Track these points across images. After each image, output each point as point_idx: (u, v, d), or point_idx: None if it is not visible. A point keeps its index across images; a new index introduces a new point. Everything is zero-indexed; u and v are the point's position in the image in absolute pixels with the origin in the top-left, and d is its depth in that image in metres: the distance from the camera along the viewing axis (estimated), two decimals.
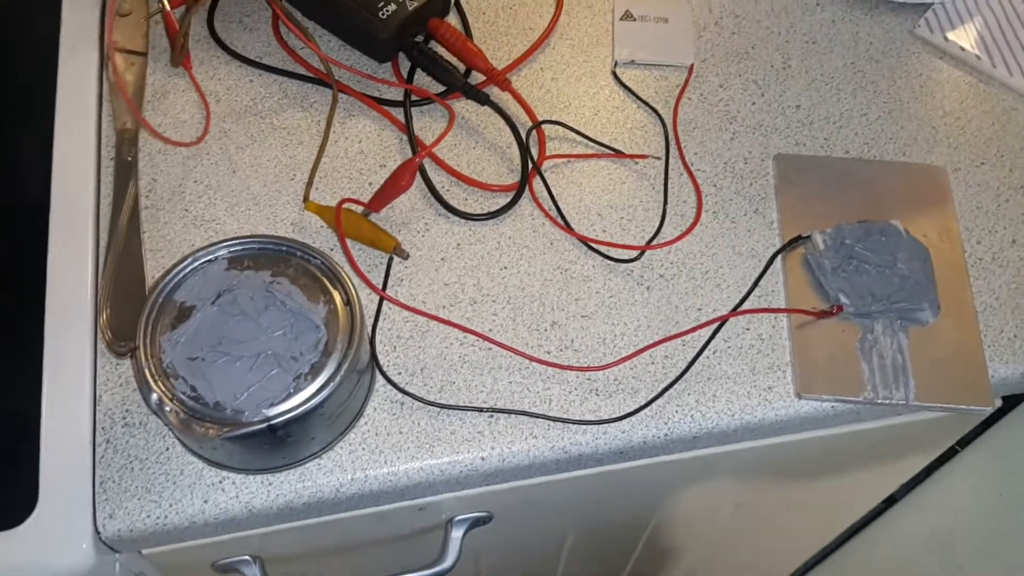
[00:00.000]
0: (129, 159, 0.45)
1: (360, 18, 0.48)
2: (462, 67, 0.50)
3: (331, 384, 0.35)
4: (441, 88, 0.49)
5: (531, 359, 0.42)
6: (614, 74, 0.51)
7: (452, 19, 0.53)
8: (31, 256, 0.43)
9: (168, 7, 0.48)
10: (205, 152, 0.47)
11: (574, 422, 0.41)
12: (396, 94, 0.49)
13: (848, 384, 0.42)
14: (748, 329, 0.44)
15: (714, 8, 0.54)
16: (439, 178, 0.47)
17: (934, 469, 0.61)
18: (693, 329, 0.43)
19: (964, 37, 0.53)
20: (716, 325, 0.43)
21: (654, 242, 0.46)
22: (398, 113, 0.49)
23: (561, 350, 0.43)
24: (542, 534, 0.57)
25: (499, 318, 0.43)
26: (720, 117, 0.50)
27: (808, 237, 0.46)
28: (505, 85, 0.49)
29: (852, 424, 0.46)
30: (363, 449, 0.40)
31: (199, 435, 0.35)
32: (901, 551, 0.66)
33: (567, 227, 0.46)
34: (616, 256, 0.45)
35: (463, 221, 0.46)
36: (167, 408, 0.35)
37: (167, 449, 0.39)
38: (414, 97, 0.49)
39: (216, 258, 0.38)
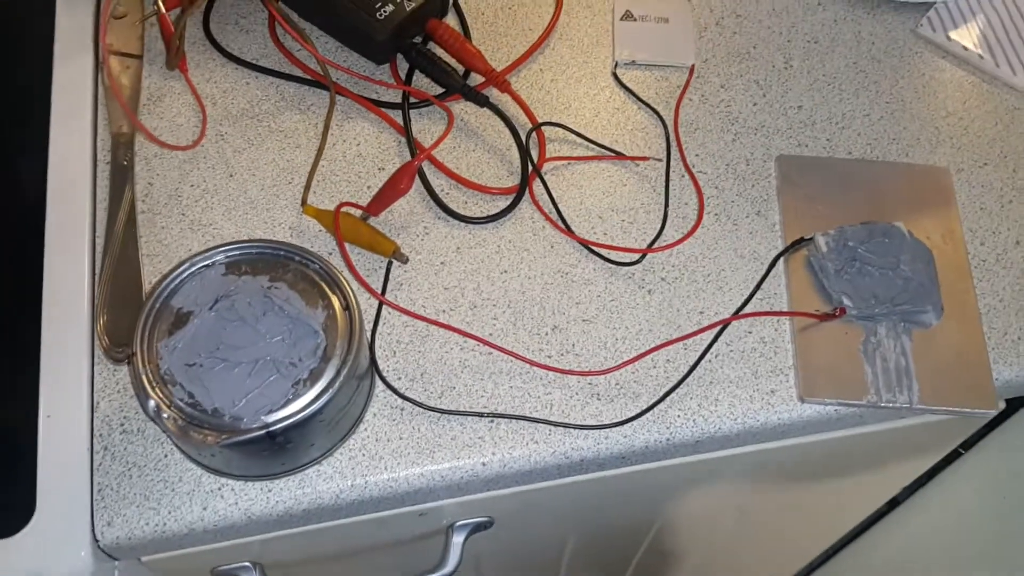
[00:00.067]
0: (125, 163, 0.45)
1: (357, 19, 0.47)
2: (461, 68, 0.50)
3: (330, 390, 0.35)
4: (440, 90, 0.49)
5: (532, 363, 0.41)
6: (614, 75, 0.51)
7: (451, 20, 0.52)
8: (27, 262, 0.42)
9: (163, 9, 0.47)
10: (202, 156, 0.47)
11: (575, 427, 0.40)
12: (394, 96, 0.49)
13: (851, 387, 0.42)
14: (750, 332, 0.44)
15: (715, 8, 0.54)
16: (438, 181, 0.47)
17: (937, 471, 0.60)
18: (695, 333, 0.42)
19: (967, 36, 0.53)
20: (718, 328, 0.43)
21: (655, 245, 0.46)
22: (396, 115, 0.48)
23: (562, 354, 0.42)
24: (543, 539, 0.57)
25: (499, 322, 0.43)
26: (722, 118, 0.50)
27: (811, 239, 0.45)
28: (504, 86, 0.48)
29: (855, 427, 0.46)
30: (363, 455, 0.39)
31: (197, 442, 0.34)
32: (904, 553, 0.66)
33: (568, 230, 0.46)
34: (617, 259, 0.45)
35: (463, 224, 0.46)
36: (165, 415, 0.34)
37: (165, 456, 0.39)
38: (412, 99, 0.49)
39: (213, 263, 0.37)
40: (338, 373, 0.35)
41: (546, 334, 0.43)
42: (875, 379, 0.42)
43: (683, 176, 0.48)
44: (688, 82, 0.51)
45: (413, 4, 0.48)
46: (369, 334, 0.42)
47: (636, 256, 0.45)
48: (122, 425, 0.39)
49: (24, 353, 0.40)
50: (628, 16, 0.53)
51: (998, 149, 0.50)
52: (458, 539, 0.46)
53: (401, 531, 0.47)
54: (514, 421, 0.40)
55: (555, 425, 0.40)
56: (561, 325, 0.43)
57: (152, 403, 0.35)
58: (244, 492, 0.38)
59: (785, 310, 0.44)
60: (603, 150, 0.48)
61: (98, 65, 0.48)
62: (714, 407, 0.42)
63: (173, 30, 0.47)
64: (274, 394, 0.35)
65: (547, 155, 0.48)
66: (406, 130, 0.48)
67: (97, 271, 0.42)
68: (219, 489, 0.38)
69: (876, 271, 0.44)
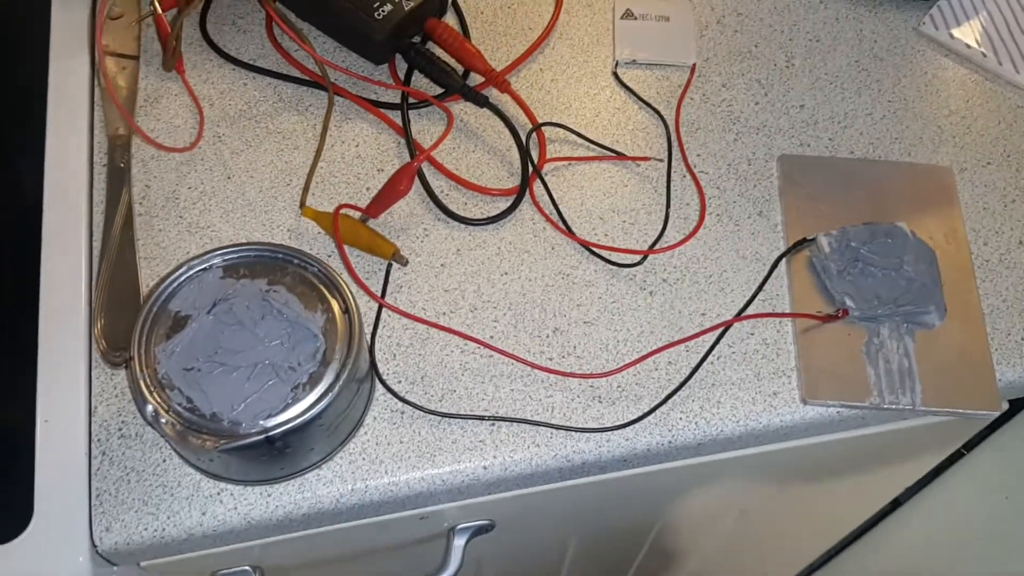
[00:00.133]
0: (122, 165, 0.45)
1: (355, 19, 0.47)
2: (460, 68, 0.49)
3: (330, 394, 0.35)
4: (439, 90, 0.49)
5: (533, 366, 0.41)
6: (615, 74, 0.51)
7: (450, 19, 0.52)
8: (24, 265, 0.42)
9: (159, 9, 0.47)
10: (199, 158, 0.46)
11: (577, 430, 0.40)
12: (393, 97, 0.49)
13: (854, 389, 0.42)
14: (752, 334, 0.43)
15: (716, 6, 0.54)
16: (438, 182, 0.47)
17: (940, 472, 0.60)
18: (697, 335, 0.42)
19: (969, 34, 0.52)
20: (720, 330, 0.43)
21: (657, 246, 0.45)
22: (395, 116, 0.48)
23: (563, 357, 0.42)
24: (544, 541, 0.57)
25: (500, 325, 0.43)
26: (723, 118, 0.50)
27: (813, 240, 0.45)
28: (504, 86, 0.48)
29: (857, 429, 0.46)
30: (363, 459, 0.39)
31: (196, 447, 0.34)
32: (906, 554, 0.65)
33: (568, 231, 0.45)
34: (618, 261, 0.45)
35: (463, 226, 0.45)
36: (163, 420, 0.34)
37: (164, 460, 0.38)
38: (411, 100, 0.48)
39: (211, 266, 0.37)
40: (338, 377, 0.35)
41: (547, 336, 0.42)
42: (878, 381, 0.42)
43: (684, 176, 0.48)
44: (689, 81, 0.50)
45: (411, 3, 0.47)
46: (369, 337, 0.42)
47: (637, 257, 0.45)
48: (120, 430, 0.39)
49: (21, 357, 0.40)
50: (628, 15, 0.52)
51: (1001, 148, 0.50)
52: (459, 542, 0.46)
53: (402, 535, 0.46)
54: (515, 424, 0.40)
55: (557, 428, 0.40)
56: (562, 327, 0.43)
57: (150, 408, 0.34)
58: (243, 497, 0.38)
59: (787, 311, 0.44)
60: (604, 150, 0.48)
61: (94, 66, 0.48)
62: (716, 409, 0.41)
63: (170, 31, 0.47)
64: (273, 398, 0.34)
65: (547, 156, 0.47)
66: (405, 131, 0.47)
67: (94, 274, 0.42)
68: (218, 494, 0.38)
69: (879, 272, 0.44)
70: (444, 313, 0.43)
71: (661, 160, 0.48)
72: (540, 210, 0.46)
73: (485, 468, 0.39)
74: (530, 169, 0.46)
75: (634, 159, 0.48)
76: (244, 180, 0.46)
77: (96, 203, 0.44)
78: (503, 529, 0.48)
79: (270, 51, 0.50)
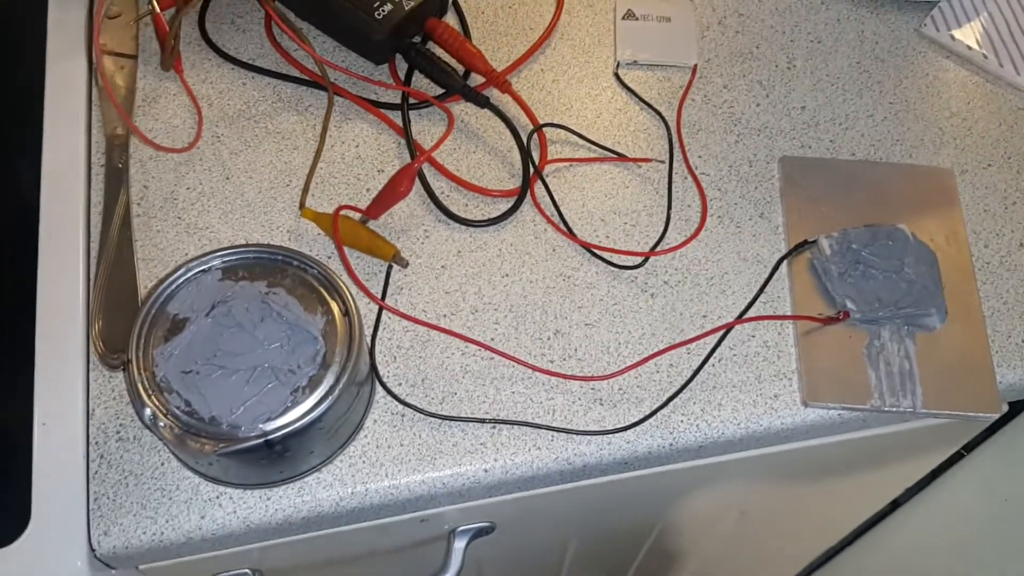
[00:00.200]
0: (120, 166, 0.44)
1: (355, 19, 0.47)
2: (461, 68, 0.49)
3: (330, 397, 0.35)
4: (439, 90, 0.49)
5: (534, 369, 0.41)
6: (616, 75, 0.51)
7: (450, 19, 0.52)
8: (21, 266, 0.42)
9: (158, 9, 0.47)
10: (198, 158, 0.46)
11: (578, 432, 0.40)
12: (393, 97, 0.49)
13: (855, 392, 0.41)
14: (754, 336, 0.43)
15: (717, 7, 0.54)
16: (438, 183, 0.46)
17: (939, 473, 0.60)
18: (698, 337, 0.42)
19: (971, 35, 0.52)
20: (721, 333, 0.43)
21: (658, 248, 0.45)
22: (396, 116, 0.48)
23: (564, 359, 0.42)
24: (545, 543, 0.57)
25: (501, 327, 0.42)
26: (724, 119, 0.49)
27: (814, 242, 0.45)
28: (505, 87, 0.48)
29: (858, 431, 0.45)
30: (363, 462, 0.39)
31: (194, 451, 0.34)
32: (905, 555, 0.65)
33: (569, 233, 0.45)
34: (620, 263, 0.45)
35: (463, 228, 0.45)
36: (161, 423, 0.34)
37: (163, 464, 0.38)
38: (412, 100, 0.48)
39: (210, 268, 0.37)
40: (337, 380, 0.35)
41: (548, 339, 0.42)
42: (879, 383, 0.42)
43: (686, 178, 0.47)
44: (691, 82, 0.50)
45: (412, 3, 0.47)
46: (369, 339, 0.41)
47: (639, 259, 0.45)
48: (118, 433, 0.39)
49: (18, 359, 0.40)
50: (630, 15, 0.52)
51: (1002, 150, 0.50)
52: (460, 544, 0.46)
53: (402, 537, 0.46)
54: (516, 427, 0.40)
55: (557, 431, 0.40)
56: (563, 329, 0.43)
57: (148, 411, 0.34)
58: (242, 500, 0.38)
59: (788, 314, 0.44)
60: (605, 151, 0.48)
61: (92, 66, 0.47)
62: (717, 412, 0.41)
63: (168, 30, 0.46)
64: (272, 402, 0.34)
65: (548, 157, 0.47)
66: (405, 131, 0.47)
67: (92, 276, 0.42)
68: (217, 497, 0.38)
69: (880, 274, 0.44)
70: (445, 315, 0.42)
71: (662, 161, 0.48)
72: (541, 211, 0.46)
73: (486, 471, 0.39)
74: (531, 170, 0.46)
75: (635, 160, 0.48)
76: (243, 181, 0.45)
77: (94, 203, 0.44)
78: (504, 531, 0.48)
79: (269, 51, 0.50)
